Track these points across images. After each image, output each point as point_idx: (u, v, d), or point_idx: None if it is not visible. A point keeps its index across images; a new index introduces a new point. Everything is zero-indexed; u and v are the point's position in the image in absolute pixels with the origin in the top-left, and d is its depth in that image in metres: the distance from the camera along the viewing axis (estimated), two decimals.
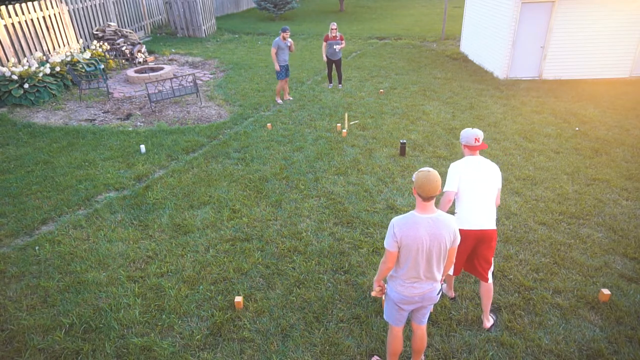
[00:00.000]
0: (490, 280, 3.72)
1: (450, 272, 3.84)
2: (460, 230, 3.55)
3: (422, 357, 3.50)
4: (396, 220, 2.83)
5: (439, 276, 2.96)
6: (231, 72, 12.23)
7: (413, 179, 2.81)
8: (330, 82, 10.69)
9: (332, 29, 9.72)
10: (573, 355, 3.58)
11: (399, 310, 3.08)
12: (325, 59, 10.13)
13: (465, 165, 3.59)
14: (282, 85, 9.52)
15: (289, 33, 8.89)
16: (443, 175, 5.49)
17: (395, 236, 2.80)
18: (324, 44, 9.95)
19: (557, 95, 9.92)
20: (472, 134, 3.61)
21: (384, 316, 3.25)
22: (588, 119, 8.51)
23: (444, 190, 3.60)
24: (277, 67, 9.09)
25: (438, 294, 3.03)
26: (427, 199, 2.75)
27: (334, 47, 9.83)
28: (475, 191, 3.54)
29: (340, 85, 10.65)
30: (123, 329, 3.87)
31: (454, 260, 3.69)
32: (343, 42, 9.91)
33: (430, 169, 2.77)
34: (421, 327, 3.23)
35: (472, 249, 3.67)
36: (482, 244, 3.61)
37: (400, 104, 9.42)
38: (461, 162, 3.62)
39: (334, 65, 10.42)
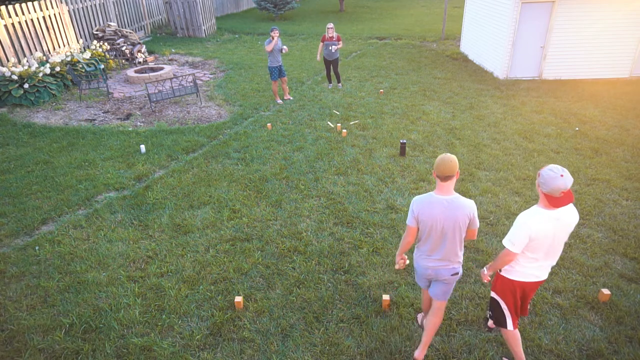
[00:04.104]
0: (510, 328, 3.28)
1: (510, 327, 3.29)
2: (515, 282, 3.13)
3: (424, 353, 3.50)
4: (416, 199, 3.15)
5: (454, 257, 3.16)
6: (231, 72, 12.22)
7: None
8: (330, 82, 10.69)
9: (329, 29, 9.71)
10: (573, 355, 3.58)
11: (421, 276, 3.43)
12: (319, 58, 10.13)
13: (538, 223, 2.81)
14: (277, 86, 9.48)
15: (277, 32, 8.76)
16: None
17: (414, 212, 3.12)
18: (321, 44, 9.96)
19: (557, 95, 9.92)
20: (561, 183, 2.62)
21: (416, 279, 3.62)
22: (588, 119, 8.51)
23: (505, 243, 2.97)
24: (269, 48, 8.71)
25: (453, 275, 3.22)
26: (444, 179, 2.97)
27: (330, 47, 9.82)
28: (545, 251, 2.96)
29: (340, 85, 10.65)
30: (123, 329, 3.87)
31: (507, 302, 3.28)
32: (340, 42, 9.90)
33: (447, 153, 3.00)
34: (437, 302, 3.39)
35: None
36: (532, 291, 3.24)
37: (400, 104, 9.42)
38: (534, 217, 2.83)
39: (331, 66, 10.42)
